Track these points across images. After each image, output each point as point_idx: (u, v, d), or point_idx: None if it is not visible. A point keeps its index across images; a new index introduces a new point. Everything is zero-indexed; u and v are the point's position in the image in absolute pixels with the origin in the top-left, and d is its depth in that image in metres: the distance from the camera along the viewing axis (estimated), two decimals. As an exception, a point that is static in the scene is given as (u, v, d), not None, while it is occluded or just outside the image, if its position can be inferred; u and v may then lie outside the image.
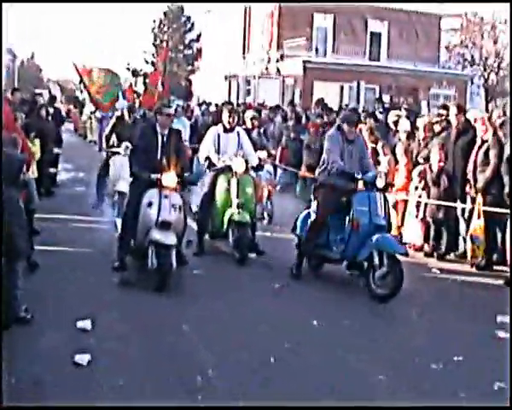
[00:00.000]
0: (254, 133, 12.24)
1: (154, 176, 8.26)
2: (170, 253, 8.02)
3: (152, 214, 8.23)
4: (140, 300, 7.72)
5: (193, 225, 10.13)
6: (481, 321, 7.57)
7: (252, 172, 10.37)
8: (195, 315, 7.30)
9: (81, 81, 21.90)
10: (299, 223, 9.32)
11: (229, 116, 10.28)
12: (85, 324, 6.66)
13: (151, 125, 8.88)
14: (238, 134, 10.32)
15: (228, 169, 9.95)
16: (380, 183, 8.53)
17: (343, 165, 8.59)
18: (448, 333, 7.12)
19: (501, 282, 9.23)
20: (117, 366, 5.80)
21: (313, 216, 8.97)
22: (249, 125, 12.47)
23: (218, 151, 10.10)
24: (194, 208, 10.79)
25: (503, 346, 6.70)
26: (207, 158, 10.11)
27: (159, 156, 8.49)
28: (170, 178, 8.26)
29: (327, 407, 5.25)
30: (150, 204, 8.26)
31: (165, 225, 8.16)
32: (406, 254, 8.31)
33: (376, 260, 8.08)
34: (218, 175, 10.02)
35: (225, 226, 9.84)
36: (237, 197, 9.79)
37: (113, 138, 12.59)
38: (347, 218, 8.48)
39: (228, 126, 10.26)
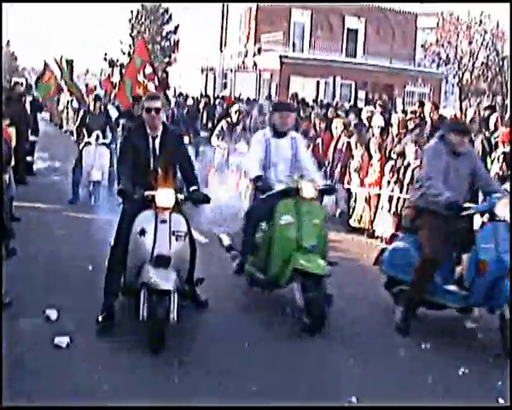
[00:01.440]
0: (239, 128, 12.44)
1: (147, 193, 6.15)
2: (168, 299, 5.81)
3: (146, 245, 6.11)
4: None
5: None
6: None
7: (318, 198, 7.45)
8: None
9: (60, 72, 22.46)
10: (386, 257, 7.44)
11: (281, 116, 7.50)
12: (52, 313, 6.49)
13: (138, 126, 6.67)
14: (293, 140, 7.60)
15: (290, 193, 7.08)
16: (500, 210, 6.54)
17: (450, 196, 6.62)
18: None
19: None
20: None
21: (411, 251, 7.07)
22: (234, 118, 12.65)
23: (268, 164, 7.43)
24: (227, 241, 8.19)
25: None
26: (258, 178, 7.20)
27: (152, 166, 6.40)
28: (165, 196, 6.11)
29: (326, 406, 5.34)
30: (143, 232, 6.12)
31: (162, 262, 6.00)
32: None
33: (508, 315, 6.26)
34: (276, 201, 7.06)
35: (287, 275, 6.91)
36: (307, 236, 6.93)
37: (84, 131, 12.84)
38: (463, 256, 6.83)
39: (280, 130, 7.50)
